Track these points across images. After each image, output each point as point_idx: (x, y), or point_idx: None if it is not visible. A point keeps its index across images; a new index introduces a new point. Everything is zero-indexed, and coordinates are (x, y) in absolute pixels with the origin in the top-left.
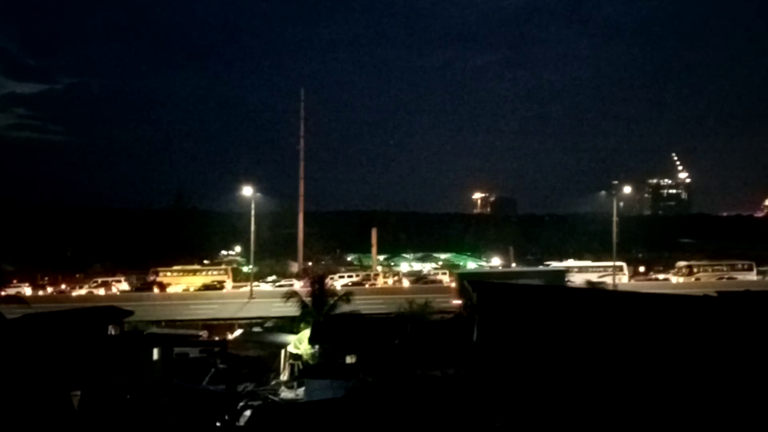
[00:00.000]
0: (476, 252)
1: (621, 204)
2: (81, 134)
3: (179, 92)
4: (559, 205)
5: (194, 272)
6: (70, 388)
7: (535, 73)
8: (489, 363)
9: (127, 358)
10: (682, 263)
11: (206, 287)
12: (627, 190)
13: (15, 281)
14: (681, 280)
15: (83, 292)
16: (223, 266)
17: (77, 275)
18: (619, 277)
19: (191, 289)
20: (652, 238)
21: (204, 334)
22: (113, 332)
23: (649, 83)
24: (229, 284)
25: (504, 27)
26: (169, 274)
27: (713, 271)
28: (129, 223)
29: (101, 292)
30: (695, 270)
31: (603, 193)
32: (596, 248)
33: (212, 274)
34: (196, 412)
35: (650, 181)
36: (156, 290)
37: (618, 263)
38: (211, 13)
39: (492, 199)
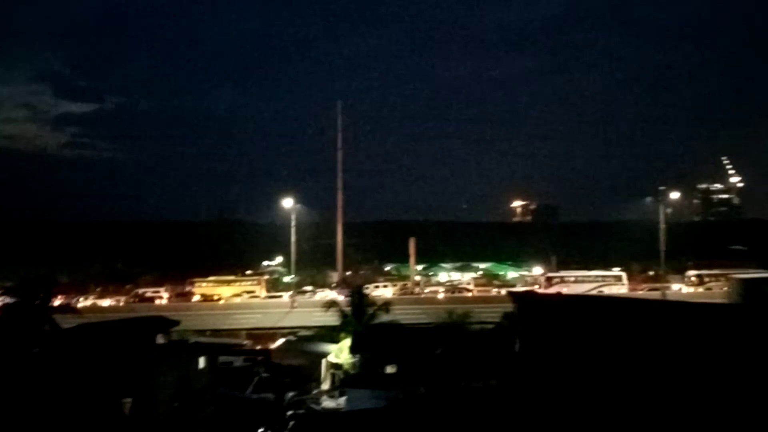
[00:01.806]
0: (517, 261)
1: (669, 210)
2: (129, 151)
3: (221, 108)
4: (603, 212)
5: (228, 283)
6: (122, 395)
7: (575, 79)
8: (531, 374)
9: (174, 366)
10: (692, 272)
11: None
12: (675, 195)
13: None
14: (690, 289)
15: (130, 302)
16: (256, 277)
17: (127, 286)
18: (618, 287)
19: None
20: (702, 246)
21: (249, 343)
22: (161, 341)
23: (695, 85)
24: (262, 294)
25: (541, 33)
26: (204, 284)
27: (726, 280)
28: (175, 235)
29: (144, 302)
30: (705, 279)
31: (649, 199)
32: (643, 256)
33: (245, 285)
34: (242, 420)
35: (700, 186)
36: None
37: (616, 273)
38: (250, 31)
39: (533, 207)
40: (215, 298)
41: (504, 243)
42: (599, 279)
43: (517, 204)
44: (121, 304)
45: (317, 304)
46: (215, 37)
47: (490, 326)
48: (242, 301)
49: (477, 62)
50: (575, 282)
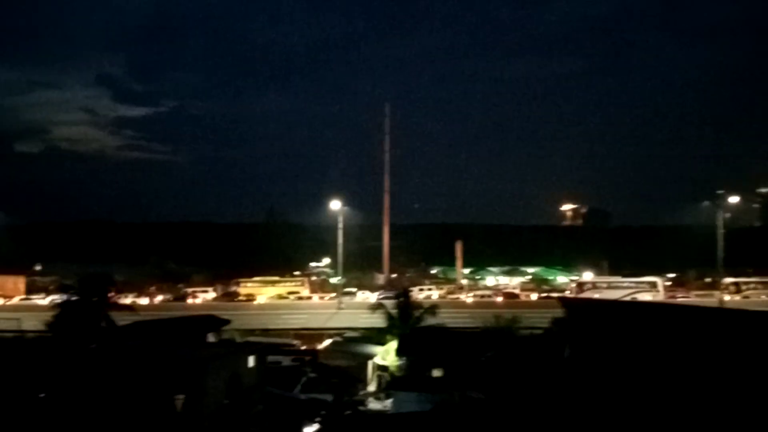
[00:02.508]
0: (567, 266)
1: (727, 215)
2: (182, 153)
3: (270, 111)
4: (657, 216)
5: (273, 283)
6: (175, 392)
7: (625, 80)
8: (582, 380)
9: (225, 364)
10: (729, 280)
11: (280, 297)
12: (733, 200)
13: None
14: (727, 297)
15: (185, 301)
16: (301, 278)
17: (179, 285)
18: (652, 294)
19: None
20: (762, 253)
21: (298, 343)
22: (212, 339)
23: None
24: (308, 294)
25: (590, 34)
26: (250, 284)
27: (765, 288)
28: (226, 236)
29: (191, 301)
30: (743, 287)
31: (706, 203)
32: (700, 263)
33: (289, 285)
34: (290, 420)
35: (760, 190)
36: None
37: (651, 279)
38: (299, 34)
39: (583, 210)
40: (250, 298)
41: (553, 247)
42: (633, 285)
43: (567, 207)
44: (155, 302)
45: (363, 306)
46: (265, 40)
47: (538, 331)
48: (289, 301)
49: (525, 63)
50: (608, 288)
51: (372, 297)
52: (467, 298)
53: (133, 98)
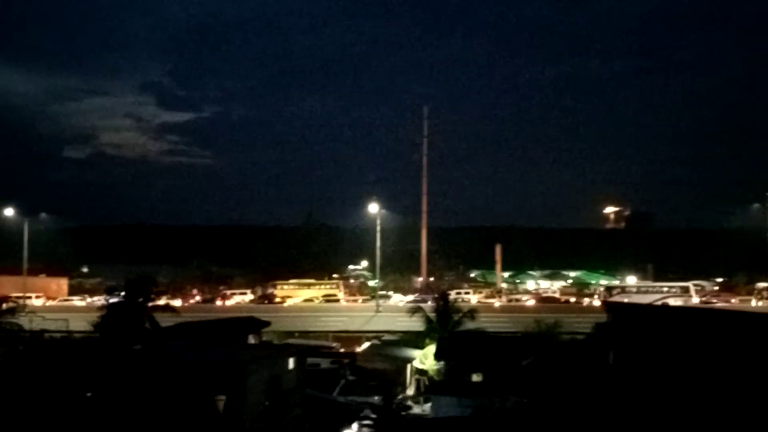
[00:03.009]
0: (610, 270)
1: None
2: (224, 158)
3: (310, 115)
4: (703, 219)
5: (309, 286)
6: (216, 393)
7: (669, 80)
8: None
9: (266, 366)
10: (762, 285)
11: (310, 300)
12: None
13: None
14: (760, 303)
15: (227, 302)
16: (335, 281)
17: (220, 287)
18: (685, 299)
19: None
20: None
21: (337, 345)
22: (252, 341)
23: None
24: (341, 298)
25: (633, 33)
26: (286, 287)
27: None
28: (267, 239)
29: (220, 303)
30: None
31: (756, 205)
32: (749, 266)
33: (325, 288)
34: (328, 422)
35: None
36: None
37: (683, 284)
38: (337, 38)
39: (626, 213)
40: (278, 300)
41: (596, 251)
42: (664, 290)
43: (609, 210)
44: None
45: (401, 309)
46: (305, 45)
47: (580, 337)
48: (326, 304)
49: (566, 64)
50: (638, 293)
51: (404, 299)
52: (496, 302)
53: (176, 104)
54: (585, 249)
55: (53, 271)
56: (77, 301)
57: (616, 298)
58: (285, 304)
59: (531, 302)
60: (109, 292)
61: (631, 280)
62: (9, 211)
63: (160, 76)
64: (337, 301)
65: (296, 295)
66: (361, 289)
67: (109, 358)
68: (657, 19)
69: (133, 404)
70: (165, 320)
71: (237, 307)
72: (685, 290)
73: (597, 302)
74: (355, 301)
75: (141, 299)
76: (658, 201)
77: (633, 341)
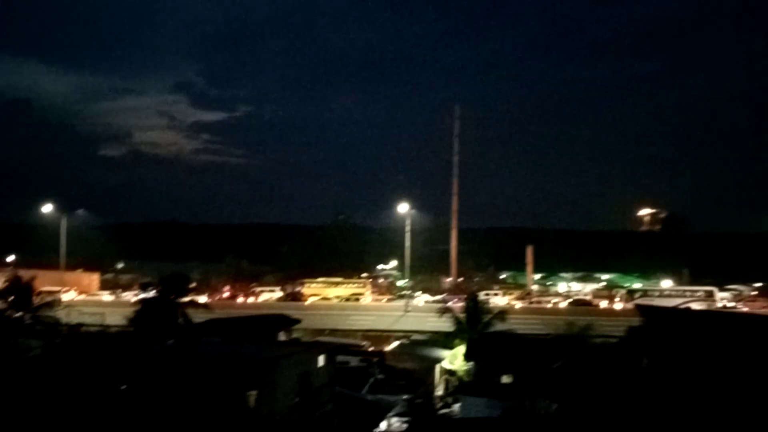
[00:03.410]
0: (644, 273)
1: None
2: (256, 157)
3: (341, 114)
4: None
5: (336, 284)
6: (247, 388)
7: (708, 79)
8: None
9: (296, 363)
10: None
11: (347, 299)
12: None
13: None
14: None
15: (256, 300)
16: (362, 280)
17: (251, 285)
18: (709, 303)
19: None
20: None
21: (367, 344)
22: (283, 338)
23: None
24: (368, 297)
25: (671, 32)
26: (314, 285)
27: None
28: (297, 238)
29: (241, 300)
30: None
31: None
32: None
33: (352, 287)
34: (357, 420)
35: None
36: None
37: (708, 288)
38: (369, 38)
39: (661, 215)
40: (302, 298)
41: (630, 253)
42: (688, 294)
43: (644, 212)
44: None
45: (430, 309)
46: (337, 45)
47: (613, 340)
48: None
49: (600, 64)
50: (660, 296)
51: (427, 299)
52: (518, 303)
53: (209, 103)
54: (619, 252)
55: (89, 267)
56: (105, 296)
57: (638, 302)
58: (306, 303)
59: (563, 304)
60: (143, 288)
61: (666, 283)
62: (48, 208)
63: (193, 76)
64: (357, 300)
65: (324, 294)
66: (390, 289)
67: (143, 352)
68: (693, 19)
69: (166, 398)
70: (197, 316)
71: (265, 304)
72: (709, 294)
73: (618, 305)
74: (380, 300)
75: (174, 295)
76: (695, 204)
77: (668, 346)
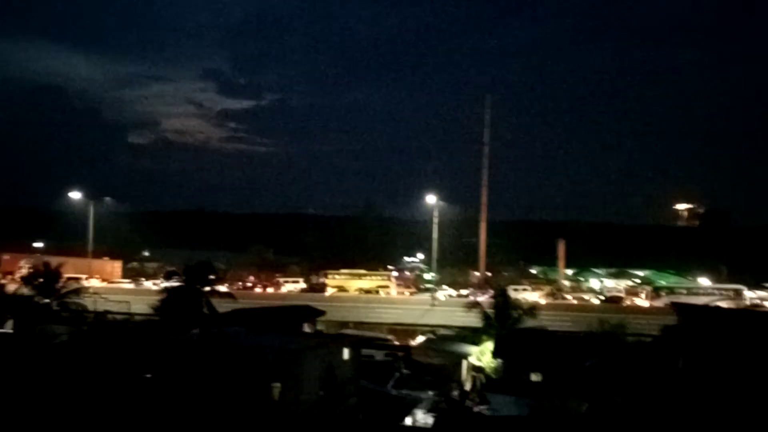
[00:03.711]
0: (681, 269)
1: None
2: (282, 145)
3: (368, 104)
4: None
5: (360, 276)
6: (271, 380)
7: (749, 70)
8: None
9: (321, 355)
10: None
11: (367, 291)
12: None
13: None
14: None
15: (277, 290)
16: (386, 272)
17: (276, 275)
18: (737, 302)
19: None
20: None
21: (393, 338)
22: (307, 330)
23: None
24: (393, 290)
25: (708, 23)
26: (337, 276)
27: None
28: (324, 228)
29: (259, 290)
30: None
31: None
32: None
33: (376, 279)
34: (382, 414)
35: None
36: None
37: (736, 286)
38: (399, 26)
39: (700, 210)
40: (325, 290)
41: (666, 249)
42: (716, 292)
43: (681, 207)
44: (272, 291)
45: (458, 304)
46: (365, 34)
47: (647, 339)
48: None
49: (635, 53)
50: (688, 294)
51: (454, 294)
52: (542, 299)
53: (236, 92)
54: (655, 247)
55: (115, 255)
56: (125, 284)
57: (664, 300)
58: (326, 294)
59: (595, 301)
60: (168, 276)
61: (703, 281)
62: (76, 195)
63: (221, 64)
64: (377, 293)
65: (347, 286)
66: (416, 282)
67: (168, 341)
68: (734, 8)
69: (190, 387)
70: (222, 306)
71: (286, 295)
72: (738, 293)
73: (644, 303)
74: (403, 293)
75: (199, 284)
76: (735, 198)
77: (705, 345)
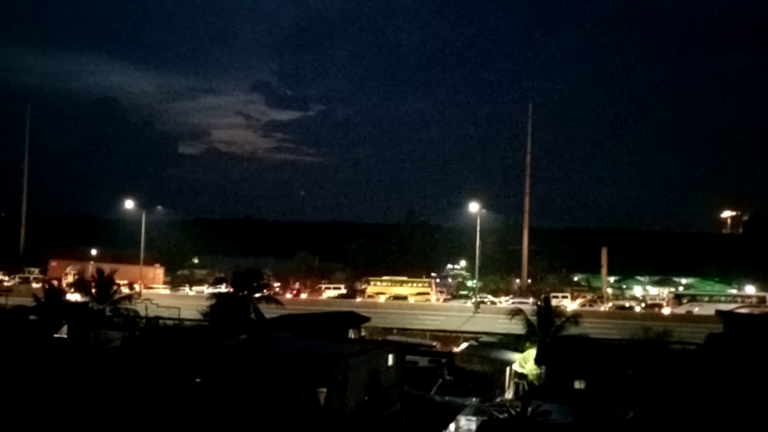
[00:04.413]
0: (726, 278)
1: None
2: (329, 155)
3: (413, 113)
4: None
5: (401, 283)
6: (318, 385)
7: None
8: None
9: (367, 361)
10: None
11: (395, 298)
12: None
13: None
14: None
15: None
16: (427, 280)
17: (321, 281)
18: (760, 310)
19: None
20: None
21: (437, 344)
22: (352, 336)
23: None
24: (432, 297)
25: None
26: (378, 283)
27: None
28: (367, 235)
29: (289, 296)
30: None
31: None
32: None
33: (417, 286)
34: (426, 420)
35: None
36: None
37: (760, 294)
38: (441, 36)
39: (745, 217)
40: (359, 296)
41: (711, 257)
42: (739, 300)
43: (727, 214)
44: (319, 298)
45: (501, 311)
46: (410, 45)
47: (691, 347)
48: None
49: (681, 58)
50: (709, 302)
51: (489, 298)
52: (573, 305)
53: (284, 103)
54: (699, 255)
55: (165, 262)
56: (161, 290)
57: (686, 307)
58: (357, 300)
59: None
60: (217, 282)
61: (750, 289)
62: (129, 204)
63: (269, 76)
64: (405, 298)
65: (387, 292)
66: (458, 289)
67: (217, 346)
68: None
69: (239, 392)
70: (269, 312)
71: (322, 301)
72: (762, 300)
73: (666, 310)
74: (442, 300)
75: (247, 291)
76: None
77: (753, 354)
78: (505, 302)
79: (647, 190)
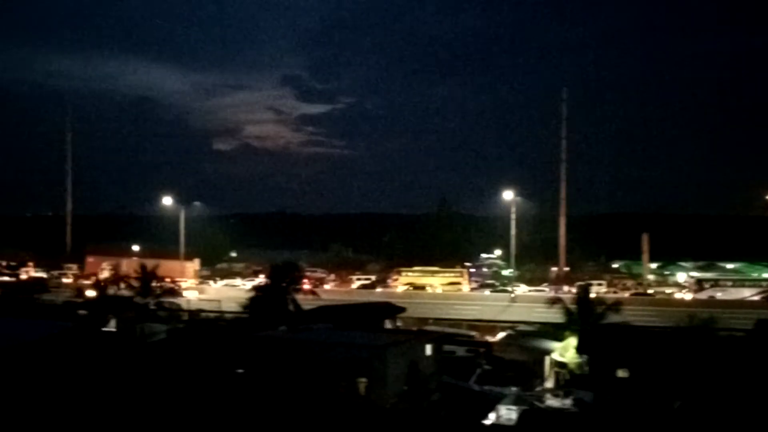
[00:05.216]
0: None
1: None
2: (360, 147)
3: (441, 102)
4: None
5: (433, 273)
6: (357, 375)
7: None
8: None
9: (405, 351)
10: None
11: (415, 287)
12: None
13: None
14: None
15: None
16: (459, 270)
17: (356, 272)
18: None
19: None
20: None
21: (475, 334)
22: (389, 326)
23: None
24: (465, 287)
25: None
26: (410, 274)
27: None
28: (400, 226)
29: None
30: None
31: None
32: None
33: (449, 276)
34: (465, 410)
35: None
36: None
37: None
38: (469, 24)
39: None
40: (383, 286)
41: (760, 241)
42: (763, 285)
43: None
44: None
45: (538, 300)
46: (438, 34)
47: (739, 334)
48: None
49: (717, 38)
50: (733, 287)
51: (520, 290)
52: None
53: (313, 97)
54: (747, 239)
55: (203, 256)
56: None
57: (708, 292)
58: (377, 290)
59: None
60: (255, 275)
61: None
62: (167, 200)
63: (298, 70)
64: (423, 288)
65: (418, 283)
66: (494, 279)
67: (257, 338)
68: None
69: (280, 382)
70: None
71: (350, 291)
72: None
73: (687, 296)
74: (471, 290)
75: (285, 283)
76: None
77: None
78: (534, 291)
79: (692, 172)
